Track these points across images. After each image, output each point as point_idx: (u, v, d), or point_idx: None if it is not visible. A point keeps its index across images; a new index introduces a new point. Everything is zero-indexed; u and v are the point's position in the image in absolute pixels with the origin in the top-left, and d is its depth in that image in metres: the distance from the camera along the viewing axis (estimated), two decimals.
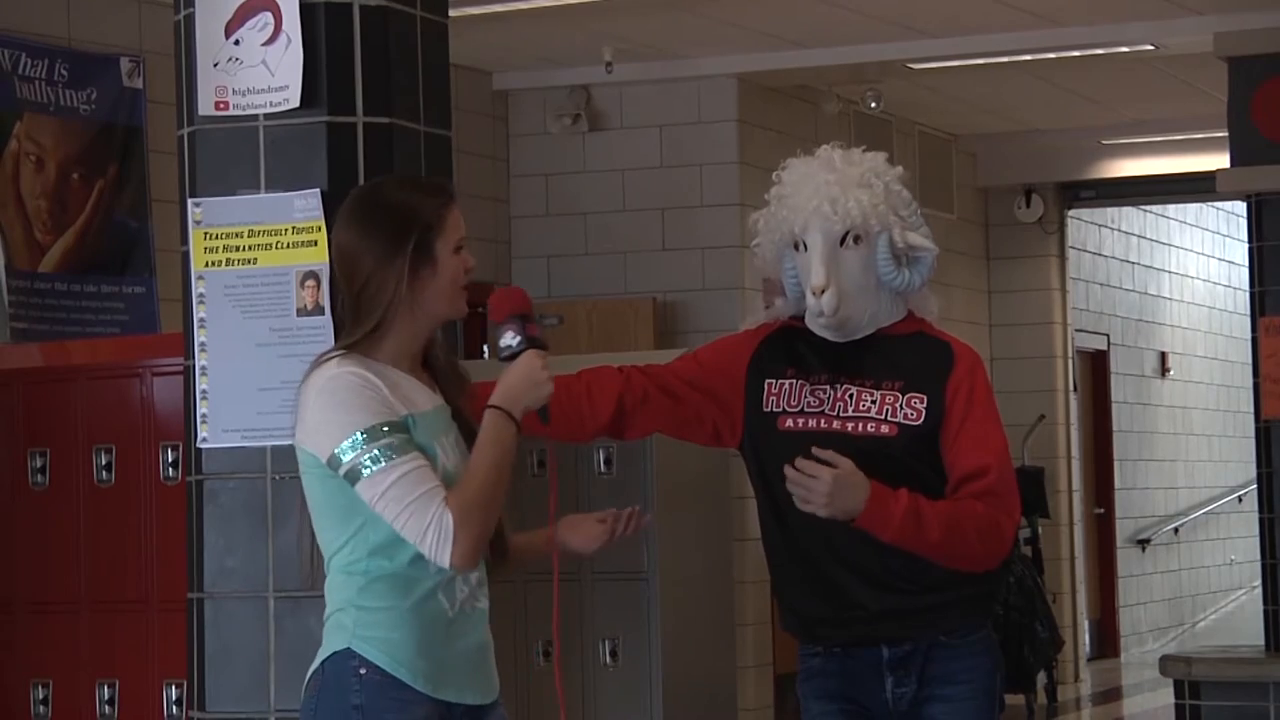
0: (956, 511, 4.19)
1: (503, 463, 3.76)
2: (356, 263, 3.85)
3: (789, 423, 4.30)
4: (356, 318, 3.86)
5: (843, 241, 4.29)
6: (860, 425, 4.26)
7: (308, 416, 3.79)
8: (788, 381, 4.33)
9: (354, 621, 3.79)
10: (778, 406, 4.32)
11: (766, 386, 4.34)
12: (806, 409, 4.30)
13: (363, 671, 3.77)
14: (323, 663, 3.83)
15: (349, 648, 3.79)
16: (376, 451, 3.70)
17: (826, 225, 4.28)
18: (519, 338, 3.90)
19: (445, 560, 3.70)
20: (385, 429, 3.72)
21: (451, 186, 3.99)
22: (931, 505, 4.17)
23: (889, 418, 4.26)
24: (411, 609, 3.77)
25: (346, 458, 3.72)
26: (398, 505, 3.70)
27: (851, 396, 4.29)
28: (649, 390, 4.39)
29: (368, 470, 3.70)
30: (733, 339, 4.48)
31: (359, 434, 3.71)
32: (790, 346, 4.38)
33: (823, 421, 4.28)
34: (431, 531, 3.69)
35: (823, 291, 4.26)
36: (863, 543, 4.25)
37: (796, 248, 4.34)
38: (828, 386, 4.30)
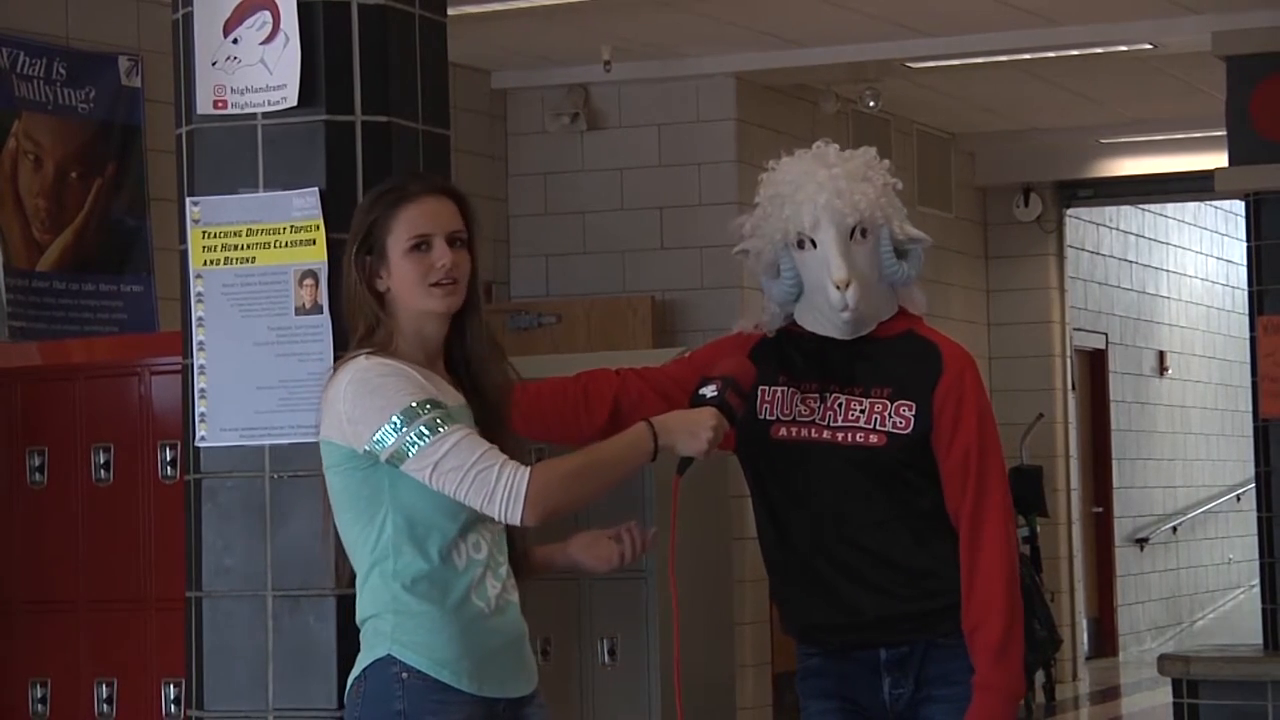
0: (1002, 596, 4.25)
1: (616, 460, 3.83)
2: (344, 267, 3.96)
3: (782, 432, 4.30)
4: (351, 324, 3.93)
5: (851, 235, 4.28)
6: (849, 435, 4.26)
7: (340, 410, 3.80)
8: (780, 389, 4.33)
9: (392, 627, 3.80)
10: (771, 415, 4.31)
11: (760, 394, 4.33)
12: (799, 418, 4.30)
13: (404, 676, 3.78)
14: (364, 670, 3.84)
15: (389, 654, 3.80)
16: (420, 428, 3.72)
17: (839, 218, 4.25)
18: (717, 395, 4.00)
19: (516, 518, 3.72)
20: (423, 407, 3.73)
21: (428, 184, 3.99)
22: (992, 628, 4.23)
23: (878, 427, 4.26)
24: (451, 610, 3.79)
25: (388, 441, 3.73)
26: (457, 473, 3.71)
27: (841, 405, 4.28)
28: (644, 393, 4.39)
29: (415, 447, 3.72)
30: (727, 342, 4.47)
31: (396, 416, 3.73)
32: (781, 351, 4.37)
33: (813, 431, 4.28)
34: (503, 488, 3.71)
35: (847, 285, 4.24)
36: (860, 550, 4.26)
37: (801, 246, 4.31)
38: (817, 395, 4.30)
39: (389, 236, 3.88)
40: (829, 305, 4.27)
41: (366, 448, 3.76)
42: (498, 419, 3.94)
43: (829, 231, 4.26)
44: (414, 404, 3.73)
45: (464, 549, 3.82)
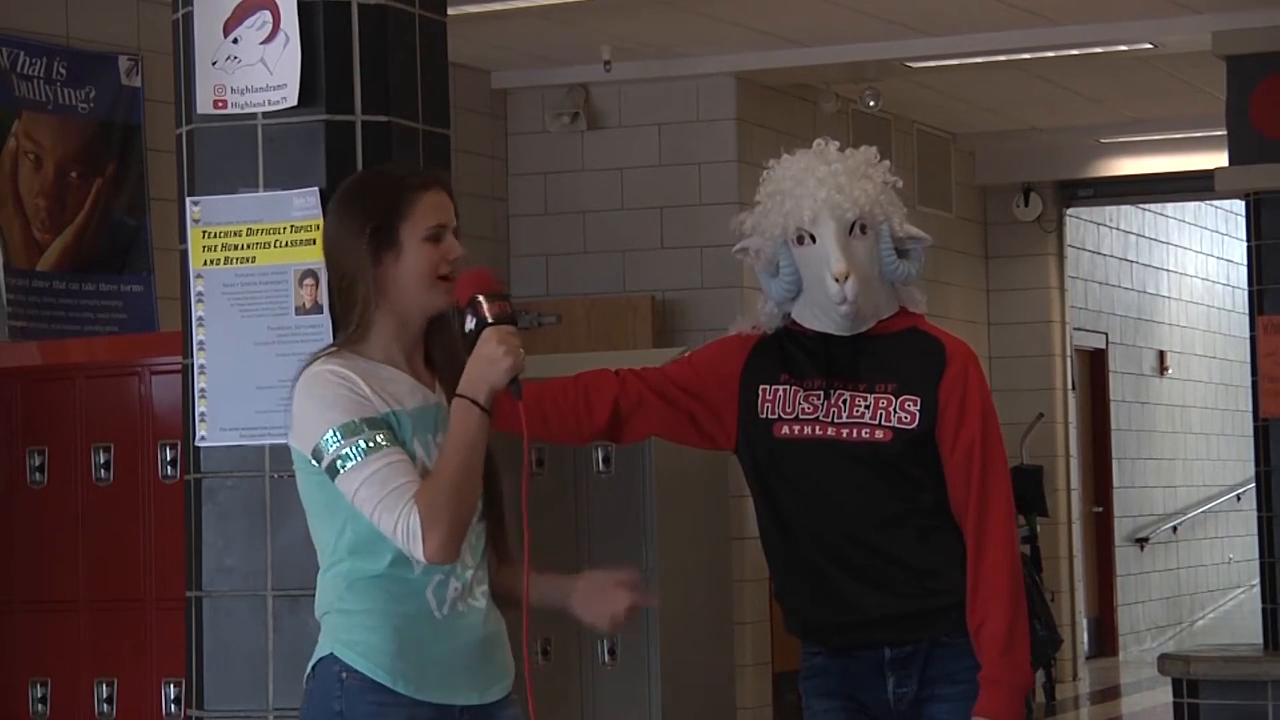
0: (1007, 590, 4.25)
1: (467, 453, 3.67)
2: (333, 256, 3.85)
3: (785, 430, 4.29)
4: (342, 314, 3.83)
5: (850, 231, 4.28)
6: (855, 431, 4.26)
7: (294, 413, 3.78)
8: (781, 387, 4.32)
9: (335, 625, 3.77)
10: (773, 413, 4.31)
11: (761, 392, 4.33)
12: (801, 415, 4.29)
13: (344, 676, 3.74)
14: (313, 667, 3.82)
15: (332, 652, 3.77)
16: (350, 448, 3.67)
17: (839, 212, 4.26)
18: (474, 319, 3.74)
19: (420, 556, 3.66)
20: (361, 425, 3.68)
21: (435, 174, 3.89)
22: (997, 622, 4.22)
23: (883, 422, 4.25)
24: (392, 611, 3.72)
25: (326, 454, 3.69)
26: (371, 502, 3.66)
27: (845, 402, 4.28)
28: (644, 394, 4.39)
29: (343, 466, 3.68)
30: (727, 343, 4.46)
31: (334, 430, 3.68)
32: (782, 350, 4.36)
33: (818, 429, 4.27)
34: (400, 528, 3.65)
35: (846, 278, 4.24)
36: (864, 548, 4.25)
37: (800, 241, 4.31)
38: (821, 392, 4.30)
39: (405, 224, 3.77)
40: (827, 299, 4.27)
41: (310, 454, 3.74)
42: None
43: (828, 225, 4.26)
44: (352, 421, 3.68)
45: None
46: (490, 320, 3.71)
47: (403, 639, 3.73)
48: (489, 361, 3.68)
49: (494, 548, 3.87)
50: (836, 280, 4.23)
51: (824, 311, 4.31)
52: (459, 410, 3.68)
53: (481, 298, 3.73)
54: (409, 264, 3.77)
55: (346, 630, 3.75)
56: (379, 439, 3.68)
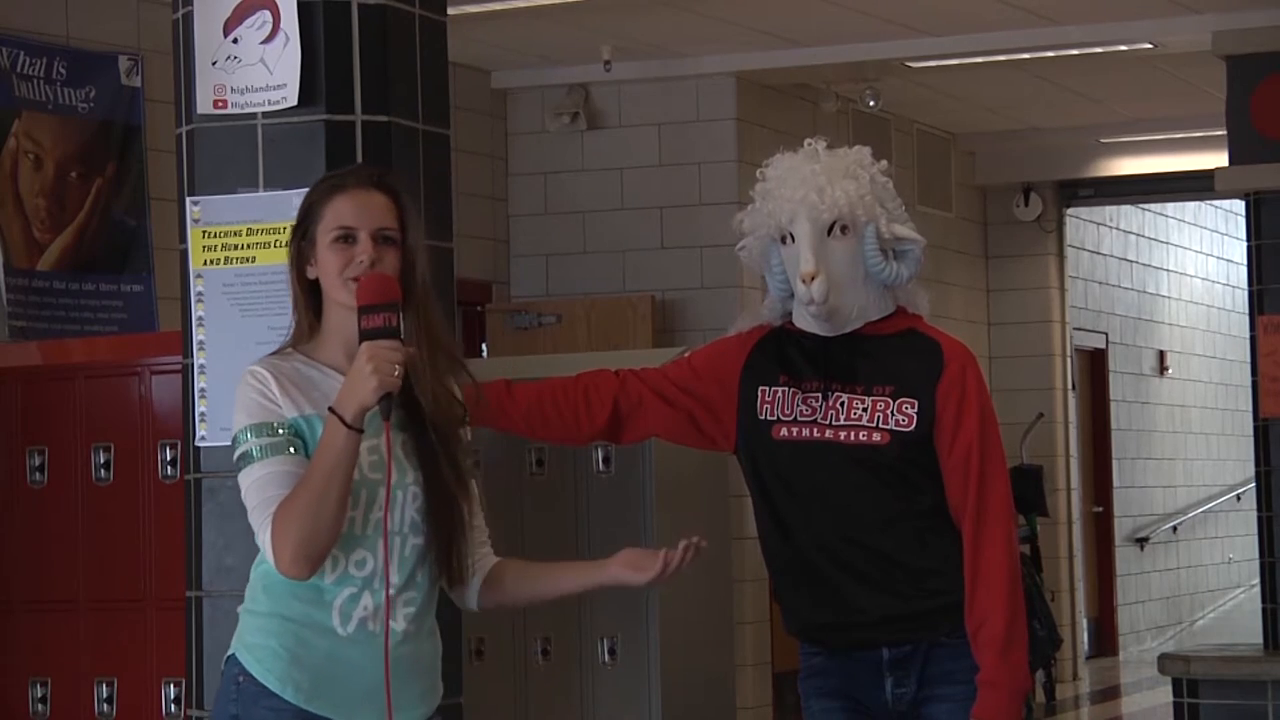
0: (1005, 592, 4.24)
1: (329, 468, 3.59)
2: None
3: (783, 432, 4.30)
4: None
5: (830, 231, 4.28)
6: (852, 434, 4.26)
7: None
8: (780, 389, 4.33)
9: (243, 626, 3.76)
10: (771, 415, 4.32)
11: (760, 394, 4.33)
12: (800, 418, 4.29)
13: (240, 680, 3.72)
14: (222, 667, 3.80)
15: (234, 654, 3.75)
16: (248, 450, 3.68)
17: (814, 214, 4.27)
18: (359, 333, 3.68)
19: (275, 566, 3.63)
20: (260, 430, 3.67)
21: (365, 175, 3.84)
22: (995, 624, 4.23)
23: (880, 425, 4.26)
24: (291, 618, 3.68)
25: (235, 455, 3.71)
26: (248, 508, 3.68)
27: (843, 405, 4.28)
28: (644, 395, 4.40)
29: (239, 470, 3.69)
30: (726, 344, 4.47)
31: (240, 431, 3.70)
32: (781, 351, 4.37)
33: (815, 431, 4.28)
34: (262, 538, 3.65)
35: (812, 278, 4.25)
36: (863, 549, 4.26)
37: (784, 241, 4.33)
38: (819, 395, 4.30)
39: (318, 225, 3.77)
40: (801, 299, 4.30)
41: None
42: (434, 425, 3.75)
43: (804, 226, 4.27)
44: (254, 424, 3.68)
45: (343, 562, 3.69)
46: (364, 334, 3.65)
47: (302, 648, 3.68)
48: (357, 378, 3.62)
49: (443, 569, 3.79)
50: (803, 281, 4.25)
51: (806, 311, 4.33)
52: (328, 425, 3.63)
53: (359, 310, 3.67)
54: (320, 266, 3.77)
55: (250, 633, 3.73)
56: (270, 446, 3.67)
